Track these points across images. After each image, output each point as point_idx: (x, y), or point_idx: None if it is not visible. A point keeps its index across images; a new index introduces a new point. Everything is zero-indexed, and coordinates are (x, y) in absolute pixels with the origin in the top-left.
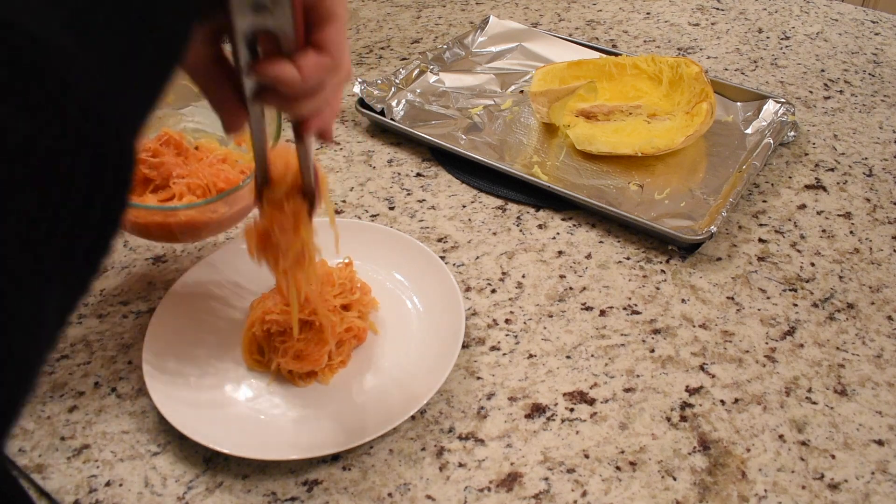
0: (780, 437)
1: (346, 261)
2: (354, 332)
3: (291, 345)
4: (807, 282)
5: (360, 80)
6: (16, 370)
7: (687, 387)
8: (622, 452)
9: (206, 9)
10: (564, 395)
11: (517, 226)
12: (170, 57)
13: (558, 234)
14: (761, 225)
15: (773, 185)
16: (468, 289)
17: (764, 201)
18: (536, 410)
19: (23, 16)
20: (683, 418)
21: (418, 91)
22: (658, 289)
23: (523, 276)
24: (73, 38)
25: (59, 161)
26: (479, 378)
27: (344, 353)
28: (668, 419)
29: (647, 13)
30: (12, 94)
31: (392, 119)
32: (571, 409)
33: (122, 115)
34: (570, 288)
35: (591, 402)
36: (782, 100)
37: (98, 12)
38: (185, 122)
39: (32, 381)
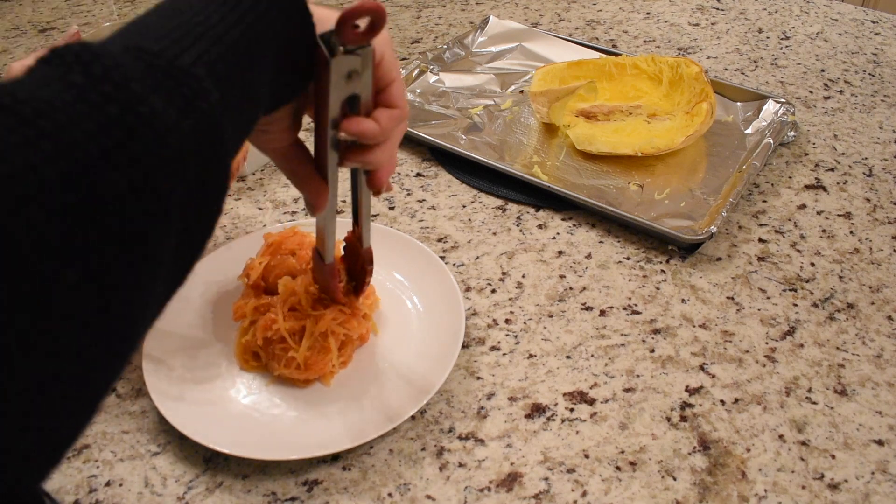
0: (780, 437)
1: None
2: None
3: (294, 356)
4: (807, 282)
5: None
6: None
7: (687, 387)
8: (622, 452)
9: (299, 89)
10: (564, 395)
11: (517, 226)
12: (259, 109)
13: (558, 234)
14: (761, 225)
15: (773, 185)
16: (468, 289)
17: (764, 201)
18: (536, 410)
19: (184, 58)
20: (683, 418)
21: (418, 91)
22: (658, 289)
23: (523, 276)
24: (212, 81)
25: (198, 158)
26: (479, 378)
27: (346, 353)
28: (668, 419)
29: (647, 13)
30: (174, 102)
31: None
32: (571, 409)
33: (230, 135)
34: (570, 288)
35: (591, 402)
36: (782, 100)
37: (228, 65)
38: None
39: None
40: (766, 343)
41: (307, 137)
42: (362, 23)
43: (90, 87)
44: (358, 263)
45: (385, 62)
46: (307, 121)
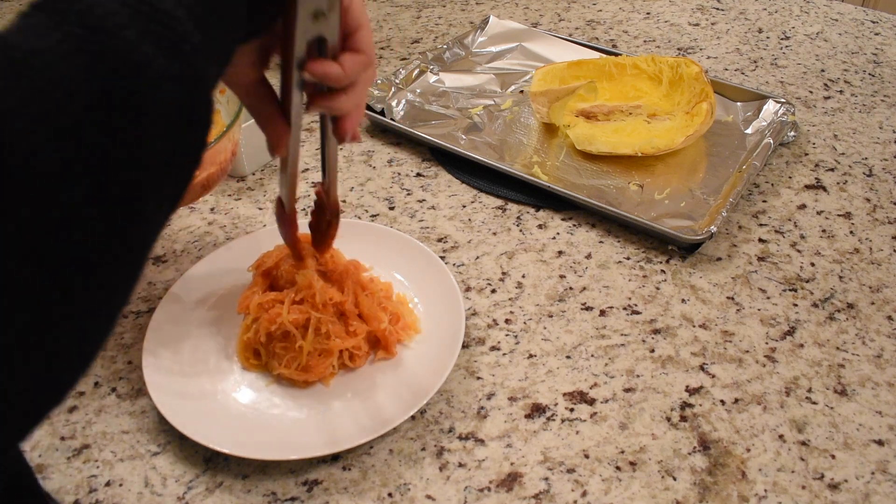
0: (780, 437)
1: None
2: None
3: (295, 356)
4: (807, 282)
5: None
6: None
7: (687, 387)
8: (622, 452)
9: (265, 25)
10: (564, 395)
11: (517, 226)
12: (234, 42)
13: (558, 234)
14: (761, 225)
15: (773, 185)
16: (468, 289)
17: (764, 201)
18: (536, 410)
19: (166, 1)
20: (683, 418)
21: (418, 91)
22: (658, 289)
23: (523, 276)
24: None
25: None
26: (479, 378)
27: (357, 363)
28: (668, 419)
29: (647, 13)
30: (162, 48)
31: (392, 119)
32: (571, 409)
33: (212, 77)
34: (570, 288)
35: (591, 402)
36: (782, 100)
37: (204, 3)
38: None
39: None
40: (766, 343)
41: (275, 80)
42: None
43: (87, 38)
44: (324, 217)
45: (353, 8)
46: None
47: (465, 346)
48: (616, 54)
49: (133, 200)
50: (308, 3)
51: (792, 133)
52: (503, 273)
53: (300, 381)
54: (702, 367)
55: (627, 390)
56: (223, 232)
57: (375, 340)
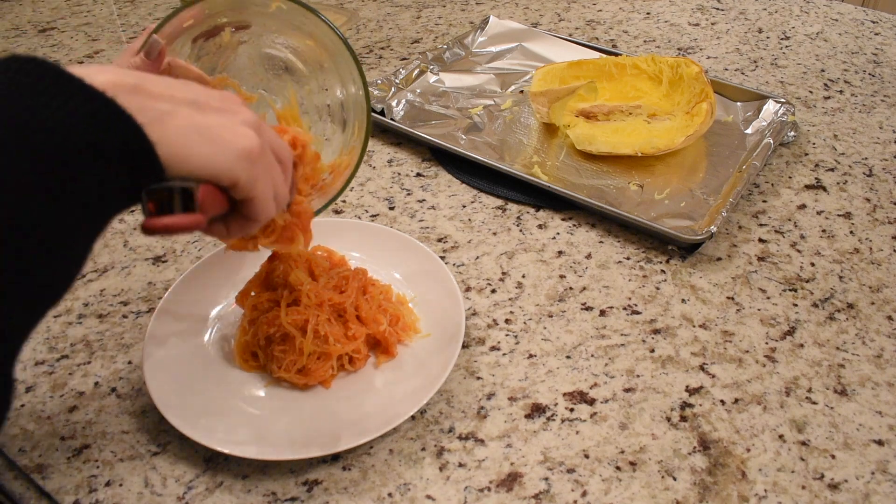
0: (780, 437)
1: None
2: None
3: (294, 360)
4: (807, 282)
5: None
6: None
7: (687, 387)
8: (622, 452)
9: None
10: (564, 395)
11: (517, 226)
12: (49, 306)
13: (558, 234)
14: (761, 225)
15: (773, 185)
16: (468, 289)
17: (764, 201)
18: (536, 410)
19: None
20: (683, 418)
21: (418, 91)
22: (658, 289)
23: (523, 276)
24: None
25: None
26: (479, 378)
27: (356, 366)
28: (668, 419)
29: (647, 13)
30: None
31: (392, 119)
32: (571, 409)
33: (11, 355)
34: (570, 288)
35: (591, 402)
36: (782, 100)
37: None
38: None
39: None
40: (766, 343)
41: None
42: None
43: None
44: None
45: (241, 186)
46: None
47: (465, 346)
48: (616, 54)
49: None
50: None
51: (792, 133)
52: (503, 273)
53: (300, 383)
54: (702, 367)
55: (627, 390)
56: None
57: (375, 342)
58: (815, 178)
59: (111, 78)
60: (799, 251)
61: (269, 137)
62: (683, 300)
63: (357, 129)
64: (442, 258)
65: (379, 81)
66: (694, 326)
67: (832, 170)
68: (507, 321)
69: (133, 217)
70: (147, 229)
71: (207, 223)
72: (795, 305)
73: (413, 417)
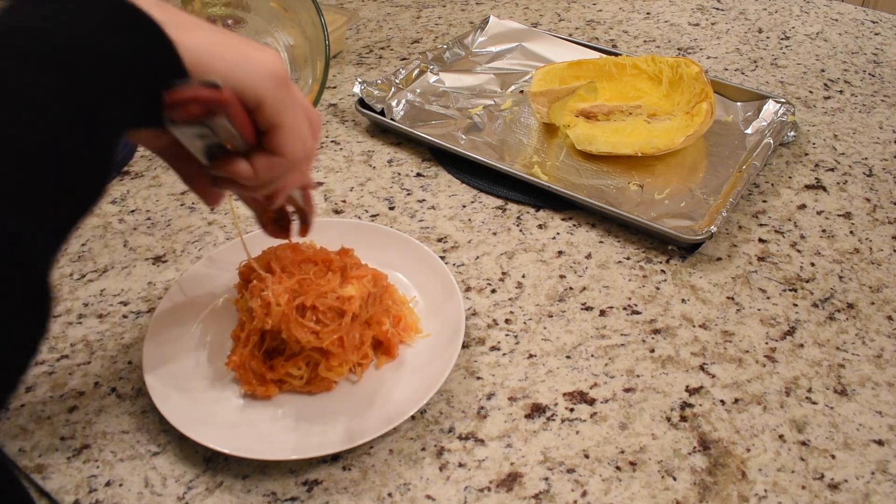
0: (780, 437)
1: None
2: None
3: (302, 373)
4: (807, 282)
5: (360, 80)
6: None
7: (687, 387)
8: (622, 452)
9: (153, 135)
10: (564, 395)
11: (517, 226)
12: (85, 212)
13: (558, 234)
14: (761, 225)
15: (773, 185)
16: (468, 289)
17: (764, 201)
18: (536, 410)
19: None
20: (683, 418)
21: (418, 91)
22: (658, 289)
23: (523, 276)
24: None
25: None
26: (479, 378)
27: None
28: (668, 419)
29: (647, 13)
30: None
31: (392, 119)
32: (571, 409)
33: (46, 261)
34: (570, 288)
35: (591, 402)
36: (782, 100)
37: (43, 191)
38: None
39: None
40: (766, 343)
41: None
42: (194, 107)
43: None
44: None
45: (268, 106)
46: None
47: (465, 346)
48: (616, 54)
49: None
50: (184, 133)
51: (792, 133)
52: (503, 273)
53: (305, 391)
54: (702, 367)
55: (627, 390)
56: (223, 232)
57: (377, 343)
58: (815, 178)
59: None
60: (799, 251)
61: (297, 90)
62: (683, 300)
63: (320, 63)
64: (442, 258)
65: (379, 81)
66: (694, 326)
67: (832, 170)
68: (507, 321)
69: (133, 217)
70: (169, 107)
71: (232, 161)
72: (795, 305)
73: (413, 417)
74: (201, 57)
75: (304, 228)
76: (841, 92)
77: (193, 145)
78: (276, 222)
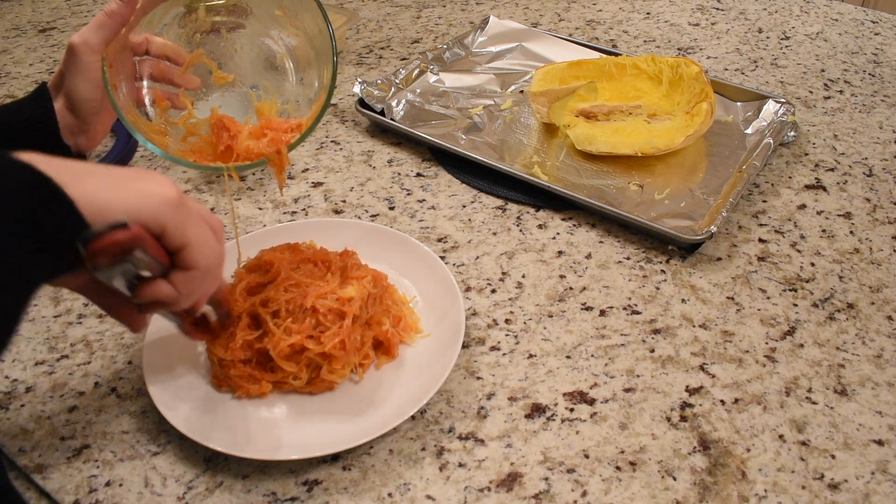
0: (780, 437)
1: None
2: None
3: (302, 378)
4: (807, 282)
5: (360, 80)
6: None
7: (687, 387)
8: (622, 452)
9: (65, 275)
10: (564, 395)
11: (517, 226)
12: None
13: (558, 234)
14: (761, 225)
15: (773, 185)
16: (468, 289)
17: (764, 201)
18: (536, 410)
19: None
20: (683, 418)
21: (418, 91)
22: (658, 289)
23: (523, 276)
24: None
25: None
26: (479, 378)
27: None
28: (668, 419)
29: (647, 13)
30: None
31: (392, 119)
32: (571, 409)
33: None
34: (570, 288)
35: (591, 402)
36: (782, 100)
37: None
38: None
39: None
40: (766, 343)
41: None
42: (114, 249)
43: None
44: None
45: (170, 230)
46: None
47: (465, 346)
48: (616, 54)
49: None
50: (101, 277)
51: (792, 133)
52: (503, 273)
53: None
54: (702, 367)
55: (627, 390)
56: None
57: (377, 343)
58: (815, 178)
59: (33, 156)
60: (799, 251)
61: (194, 203)
62: (683, 300)
63: (326, 72)
64: (442, 258)
65: (379, 81)
66: (694, 326)
67: (832, 170)
68: (507, 321)
69: None
70: (91, 255)
71: (151, 284)
72: (795, 305)
73: (413, 417)
74: (98, 203)
75: (225, 320)
76: (841, 92)
77: (116, 282)
78: (197, 325)
